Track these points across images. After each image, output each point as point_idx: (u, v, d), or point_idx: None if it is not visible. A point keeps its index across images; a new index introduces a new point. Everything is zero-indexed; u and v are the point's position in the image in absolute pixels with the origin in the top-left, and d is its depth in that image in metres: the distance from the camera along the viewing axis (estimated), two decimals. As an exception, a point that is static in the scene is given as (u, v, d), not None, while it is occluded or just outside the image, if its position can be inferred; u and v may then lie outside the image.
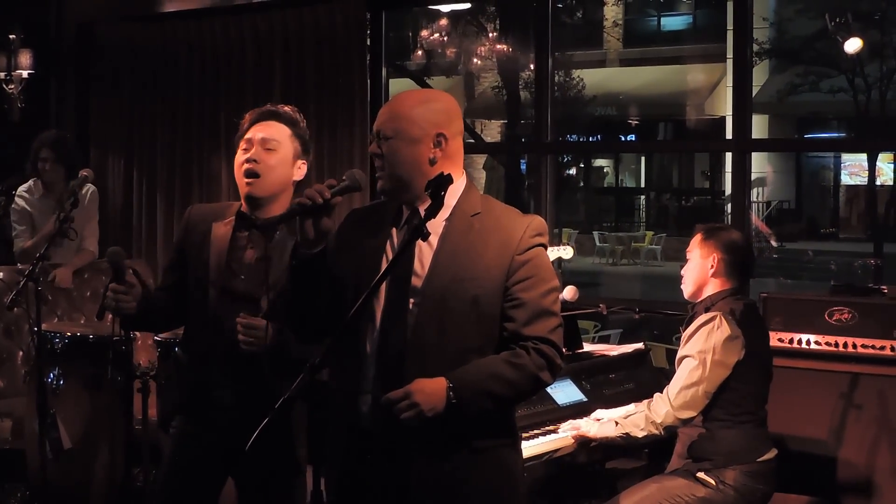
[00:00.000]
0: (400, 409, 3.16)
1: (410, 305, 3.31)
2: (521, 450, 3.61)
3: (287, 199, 4.18)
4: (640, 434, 4.70)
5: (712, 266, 4.84)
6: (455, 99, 3.53)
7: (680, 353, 4.79)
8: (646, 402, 4.79)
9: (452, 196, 3.37)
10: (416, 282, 3.32)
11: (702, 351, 4.66)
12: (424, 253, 3.34)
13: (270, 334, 3.96)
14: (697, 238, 4.92)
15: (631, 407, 5.00)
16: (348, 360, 3.37)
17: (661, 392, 4.78)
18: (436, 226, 3.30)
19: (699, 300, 4.89)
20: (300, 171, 4.21)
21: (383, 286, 3.30)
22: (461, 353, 3.29)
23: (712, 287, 4.86)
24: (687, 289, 4.95)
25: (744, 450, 4.70)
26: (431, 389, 3.19)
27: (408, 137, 3.34)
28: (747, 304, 4.86)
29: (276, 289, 4.04)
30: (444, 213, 3.35)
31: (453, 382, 3.21)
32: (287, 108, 4.25)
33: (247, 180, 4.12)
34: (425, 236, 3.14)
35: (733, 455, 4.67)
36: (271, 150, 4.13)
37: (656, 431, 4.70)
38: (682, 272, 4.97)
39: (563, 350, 3.42)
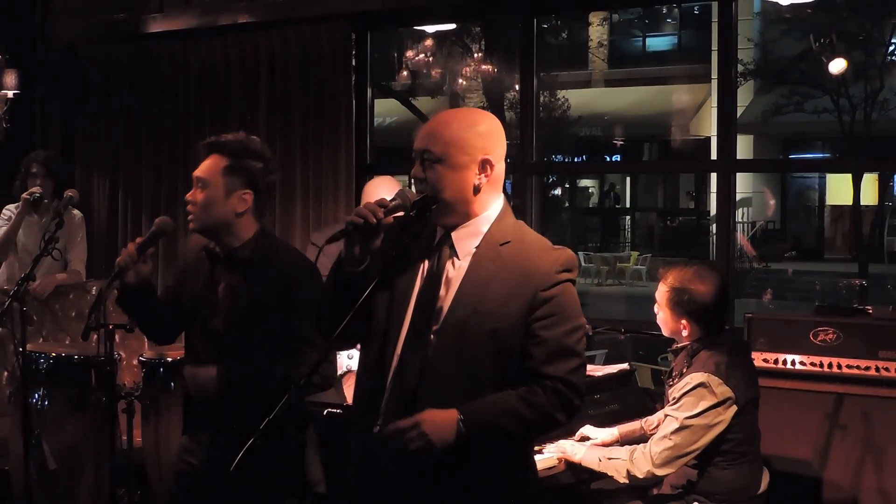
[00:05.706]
0: (409, 439, 3.13)
1: (431, 336, 3.26)
2: (533, 464, 3.58)
3: (242, 229, 4.15)
4: (621, 480, 4.63)
5: (684, 328, 4.74)
6: (498, 120, 3.41)
7: (667, 411, 4.69)
8: (628, 449, 4.67)
9: (485, 223, 3.31)
10: (440, 311, 3.26)
11: (690, 416, 4.55)
12: (451, 281, 3.28)
13: (215, 381, 3.98)
14: (664, 297, 4.76)
15: (615, 431, 4.99)
16: (368, 386, 3.33)
17: (645, 438, 4.75)
18: (465, 254, 3.28)
19: (680, 344, 4.80)
20: (243, 202, 4.13)
21: (408, 313, 3.27)
22: (476, 387, 3.22)
23: (688, 337, 4.76)
24: (664, 331, 4.86)
25: (742, 488, 4.68)
26: (441, 420, 3.15)
27: (454, 164, 3.25)
28: (732, 348, 4.76)
29: (238, 324, 4.04)
30: (475, 241, 3.30)
31: (464, 415, 3.16)
32: (230, 138, 4.17)
33: (188, 217, 4.14)
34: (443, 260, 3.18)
35: (732, 493, 4.64)
36: (201, 189, 4.13)
37: (636, 482, 4.65)
38: (656, 311, 4.86)
39: (583, 391, 3.32)
